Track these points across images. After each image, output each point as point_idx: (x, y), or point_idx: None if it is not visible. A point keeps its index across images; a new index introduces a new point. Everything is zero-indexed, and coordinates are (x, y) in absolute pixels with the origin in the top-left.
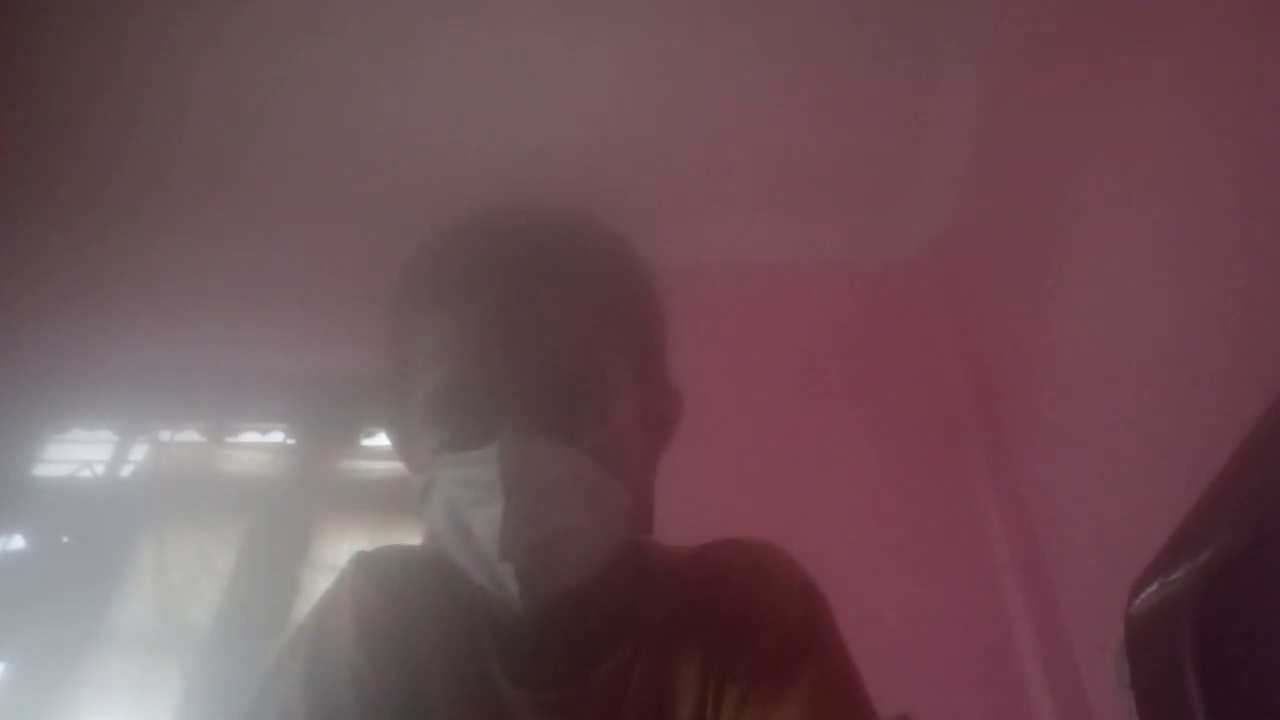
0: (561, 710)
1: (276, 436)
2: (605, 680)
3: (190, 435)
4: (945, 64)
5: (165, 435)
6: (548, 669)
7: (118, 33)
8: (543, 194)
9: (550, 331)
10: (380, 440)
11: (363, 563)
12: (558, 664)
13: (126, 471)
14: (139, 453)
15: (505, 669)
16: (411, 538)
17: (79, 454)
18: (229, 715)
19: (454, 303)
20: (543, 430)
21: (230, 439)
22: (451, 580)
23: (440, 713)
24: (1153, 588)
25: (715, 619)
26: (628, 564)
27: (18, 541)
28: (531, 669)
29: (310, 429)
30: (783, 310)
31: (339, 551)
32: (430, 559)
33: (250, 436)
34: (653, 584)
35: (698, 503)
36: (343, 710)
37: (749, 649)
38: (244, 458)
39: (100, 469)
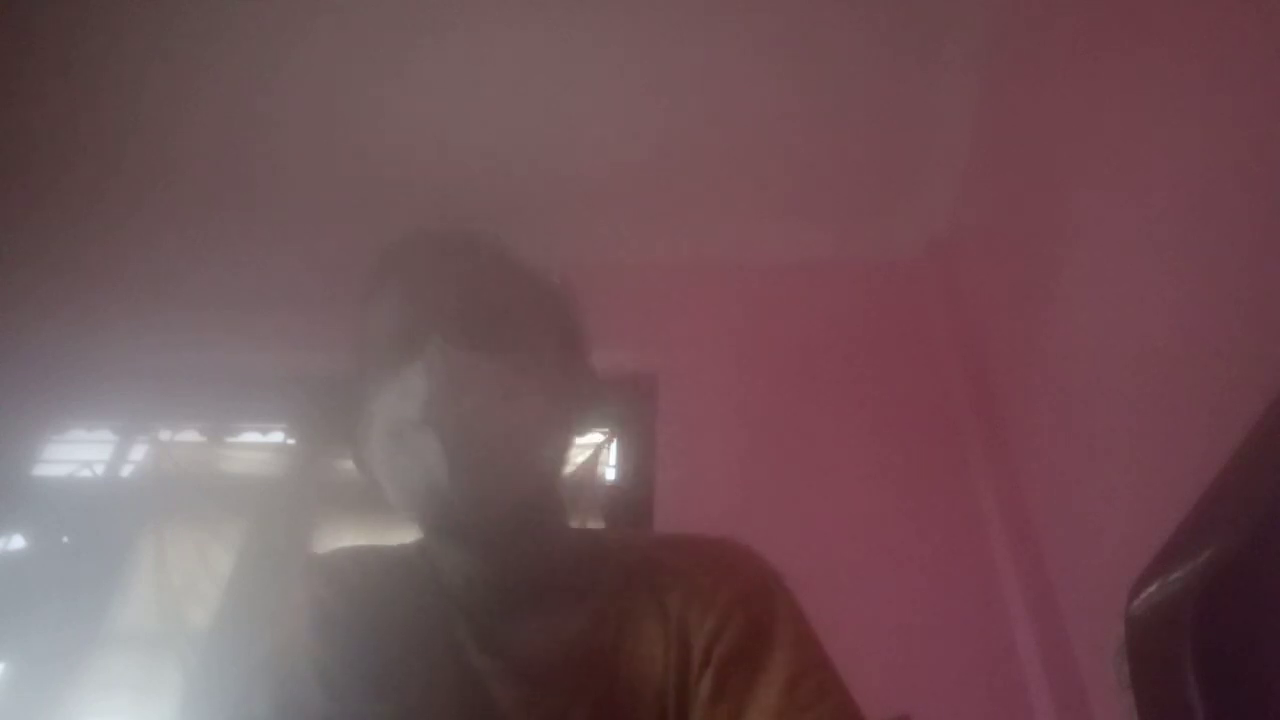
0: (528, 679)
1: (276, 436)
2: (566, 651)
3: (190, 435)
4: (945, 64)
5: (165, 435)
6: (515, 637)
7: (118, 33)
8: (542, 203)
9: (480, 283)
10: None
11: (312, 565)
12: (521, 634)
13: (126, 471)
14: (139, 453)
15: (476, 639)
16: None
17: (79, 454)
18: (229, 715)
19: (399, 272)
20: (465, 339)
21: (230, 439)
22: (403, 563)
23: (416, 690)
24: (1153, 588)
25: (678, 598)
26: (585, 544)
27: (18, 541)
28: (499, 637)
29: (310, 429)
30: (782, 310)
31: None
32: (383, 552)
33: (250, 436)
34: (611, 563)
35: (696, 501)
36: (312, 710)
37: (718, 634)
38: (244, 458)
39: (100, 469)
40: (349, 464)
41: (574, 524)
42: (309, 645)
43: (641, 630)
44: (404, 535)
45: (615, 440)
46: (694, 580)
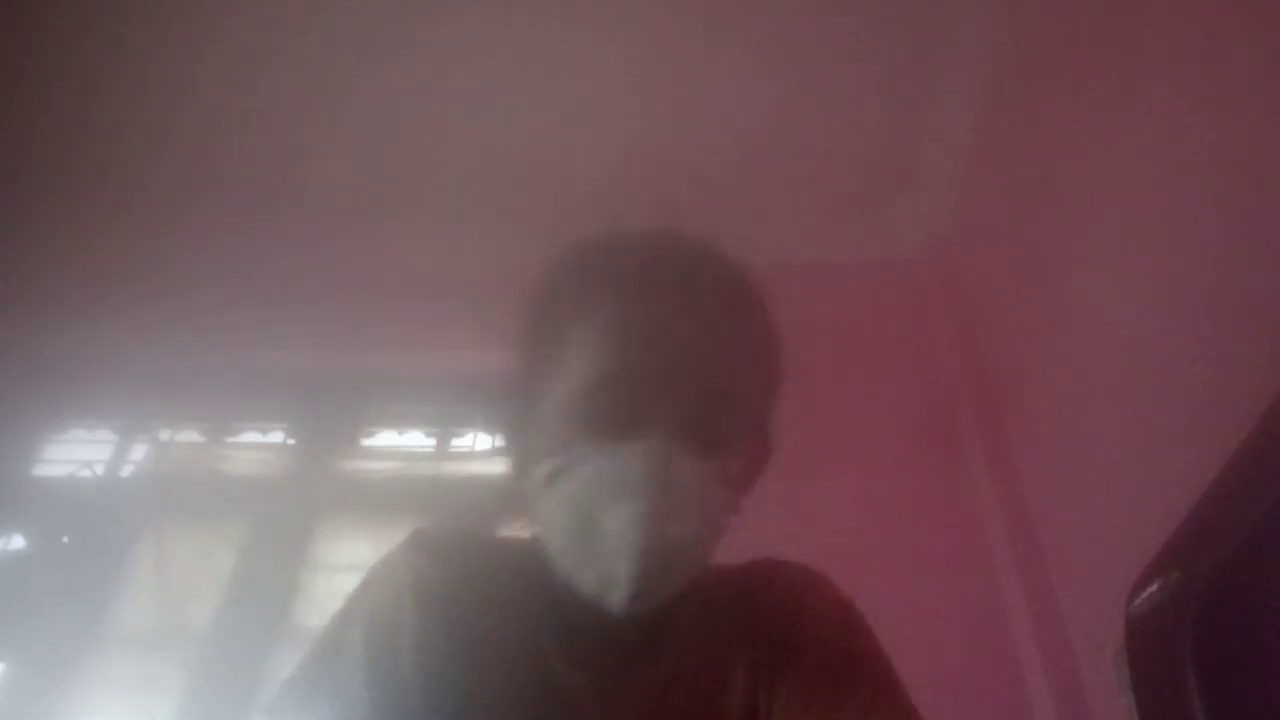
0: (609, 699)
1: (276, 436)
2: (652, 676)
3: (190, 435)
4: (945, 64)
5: (165, 435)
6: (603, 657)
7: (118, 32)
8: (543, 203)
9: (707, 348)
10: (380, 440)
11: (421, 540)
12: (611, 655)
13: (126, 471)
14: (139, 453)
15: (562, 652)
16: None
17: (79, 454)
18: (229, 715)
19: (616, 302)
20: (689, 440)
21: (230, 439)
22: (510, 562)
23: (495, 691)
24: (1153, 588)
25: (758, 628)
26: None
27: (18, 541)
28: (588, 655)
29: (310, 429)
30: (781, 309)
31: (339, 551)
32: (488, 541)
33: (250, 436)
34: (698, 593)
35: None
36: (405, 687)
37: (795, 660)
38: (244, 458)
39: (100, 469)
40: (349, 464)
41: None
42: (406, 620)
43: (726, 657)
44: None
45: None
46: (776, 605)
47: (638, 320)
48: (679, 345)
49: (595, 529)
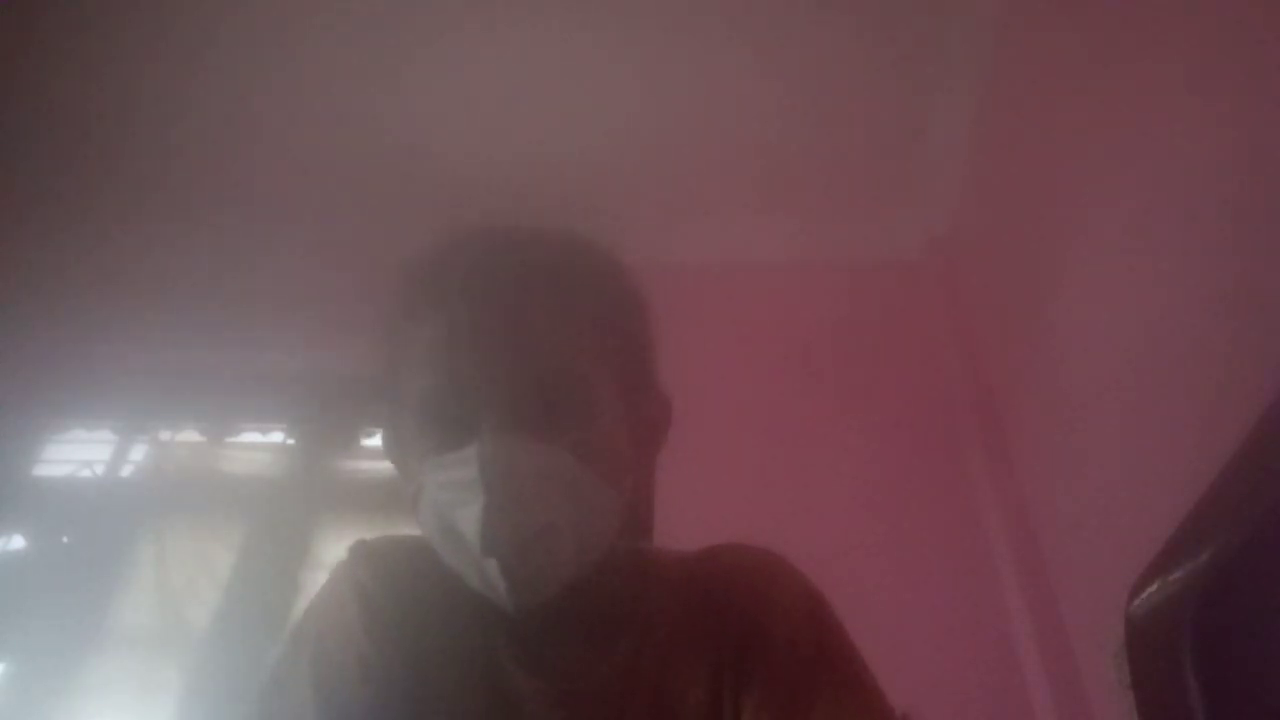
0: (568, 702)
1: (276, 436)
2: (610, 675)
3: (190, 435)
4: (945, 65)
5: (165, 435)
6: (557, 660)
7: (117, 32)
8: (543, 202)
9: (533, 337)
10: (380, 440)
11: (361, 552)
12: (566, 656)
13: (126, 471)
14: (139, 453)
15: (515, 658)
16: None
17: (79, 454)
18: (229, 715)
19: (442, 310)
20: (523, 428)
21: (230, 439)
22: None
23: (448, 700)
24: (1153, 588)
25: (722, 622)
26: (628, 566)
27: (18, 541)
28: (540, 658)
29: (310, 429)
30: (782, 310)
31: (339, 551)
32: (426, 543)
33: (250, 436)
34: (655, 586)
35: (697, 502)
36: (354, 703)
37: (763, 656)
38: (244, 458)
39: (100, 469)
40: (349, 464)
41: None
42: (355, 631)
43: (688, 658)
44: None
45: None
46: (741, 600)
47: (460, 324)
48: (498, 343)
49: (457, 538)
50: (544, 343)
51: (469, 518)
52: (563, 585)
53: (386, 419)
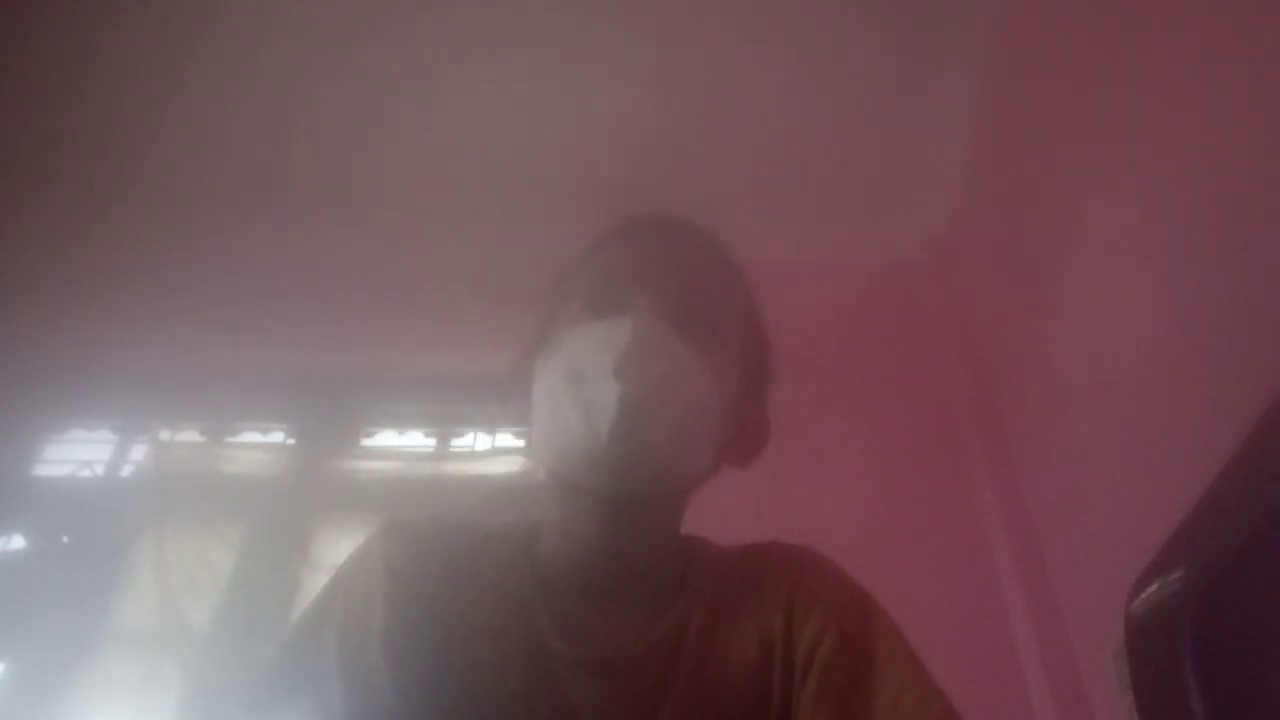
0: (610, 671)
1: (276, 436)
2: (654, 644)
3: (190, 435)
4: (946, 64)
5: (165, 435)
6: (598, 628)
7: (118, 31)
8: (543, 203)
9: (695, 265)
10: (380, 440)
11: (391, 529)
12: (608, 626)
13: (126, 471)
14: (139, 453)
15: (556, 626)
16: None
17: (79, 454)
18: (229, 715)
19: (619, 238)
20: (669, 320)
21: (230, 439)
22: (487, 545)
23: (486, 671)
24: (1153, 588)
25: (771, 599)
26: (676, 542)
27: (18, 541)
28: (582, 627)
29: (310, 429)
30: (783, 310)
31: (339, 551)
32: (463, 526)
33: (250, 436)
34: (701, 563)
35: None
36: (377, 678)
37: (817, 641)
38: (244, 458)
39: (100, 469)
40: (349, 464)
41: None
42: (377, 612)
43: (736, 630)
44: None
45: None
46: (791, 586)
47: (632, 242)
48: (664, 253)
49: (582, 374)
50: (706, 273)
51: (610, 355)
52: (654, 471)
53: (544, 310)
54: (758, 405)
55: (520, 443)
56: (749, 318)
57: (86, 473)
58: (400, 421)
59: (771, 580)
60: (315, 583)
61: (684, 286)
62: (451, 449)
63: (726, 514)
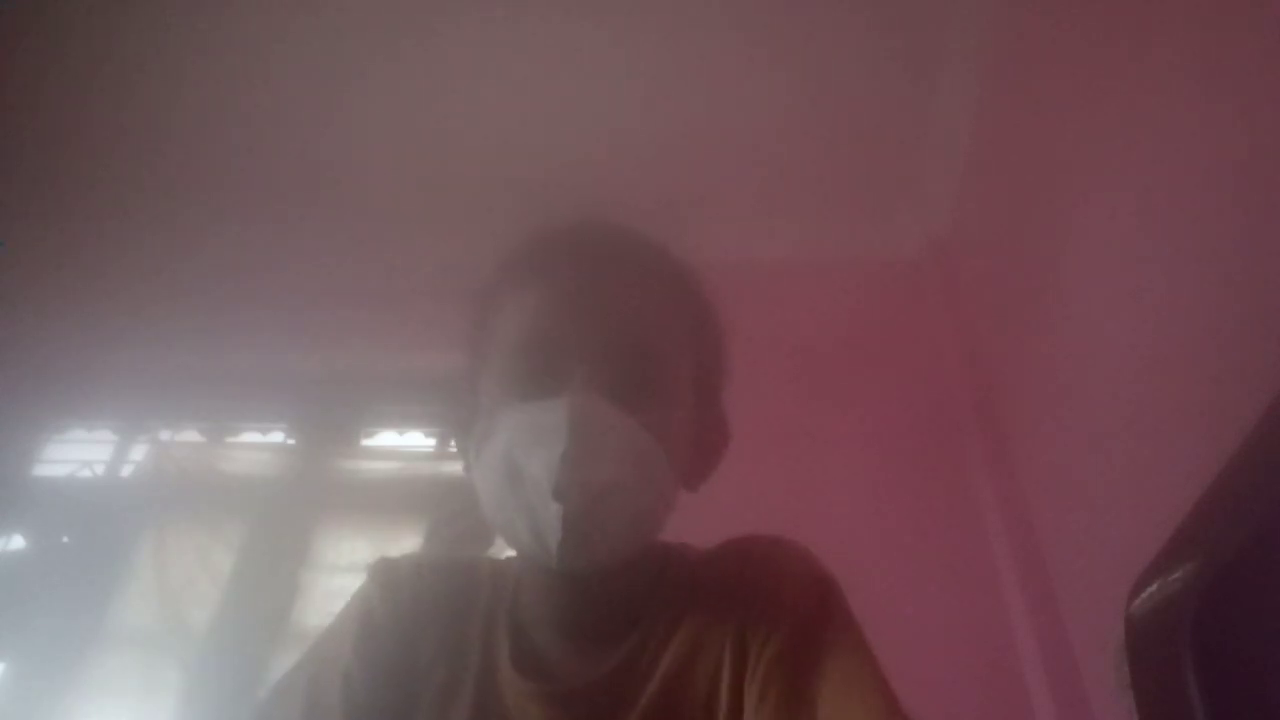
0: (561, 702)
1: (276, 436)
2: (608, 674)
3: (190, 435)
4: (945, 65)
5: (165, 435)
6: (555, 660)
7: (119, 31)
8: (542, 203)
9: (634, 313)
10: (380, 440)
11: (377, 570)
12: (566, 657)
13: (126, 471)
14: (139, 453)
15: (514, 657)
16: (413, 538)
17: (79, 454)
18: (229, 715)
19: (548, 276)
20: (608, 394)
21: (230, 439)
22: (463, 577)
23: (434, 704)
24: (1153, 588)
25: (729, 611)
26: (647, 564)
27: (18, 541)
28: (540, 660)
29: (310, 429)
30: (783, 310)
31: (339, 551)
32: (450, 564)
33: (250, 436)
34: (668, 585)
35: (694, 500)
36: (329, 714)
37: (766, 639)
38: (244, 458)
39: (100, 469)
40: (349, 464)
41: None
42: (343, 654)
43: (700, 643)
44: (410, 537)
45: None
46: (747, 589)
47: (562, 291)
48: (601, 311)
49: (524, 481)
50: (643, 321)
51: (544, 460)
52: (609, 558)
53: (465, 372)
54: (712, 409)
55: None
56: (699, 327)
57: (86, 473)
58: (400, 421)
59: (734, 581)
60: (315, 583)
61: (620, 346)
62: (451, 449)
63: (725, 514)
